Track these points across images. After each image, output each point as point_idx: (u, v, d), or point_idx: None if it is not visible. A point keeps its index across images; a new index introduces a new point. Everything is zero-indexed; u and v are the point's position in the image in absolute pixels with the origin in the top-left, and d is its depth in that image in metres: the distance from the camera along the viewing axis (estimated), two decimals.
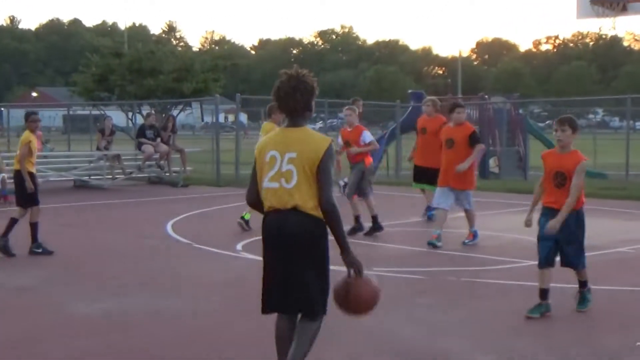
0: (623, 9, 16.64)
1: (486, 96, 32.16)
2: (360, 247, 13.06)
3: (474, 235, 13.36)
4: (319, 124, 41.46)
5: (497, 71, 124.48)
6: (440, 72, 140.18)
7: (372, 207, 14.10)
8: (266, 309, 6.15)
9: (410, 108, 30.33)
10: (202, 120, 65.93)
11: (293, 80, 5.99)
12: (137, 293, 9.81)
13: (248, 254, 12.35)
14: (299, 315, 6.04)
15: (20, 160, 12.32)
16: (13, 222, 12.32)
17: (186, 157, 25.67)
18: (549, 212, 8.42)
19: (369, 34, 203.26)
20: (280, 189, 5.81)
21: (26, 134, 12.55)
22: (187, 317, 8.65)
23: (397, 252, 13.06)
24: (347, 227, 11.88)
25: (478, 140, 13.30)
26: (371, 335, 7.68)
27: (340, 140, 14.66)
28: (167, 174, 25.31)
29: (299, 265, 5.88)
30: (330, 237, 5.83)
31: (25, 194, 12.24)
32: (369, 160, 14.37)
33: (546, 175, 8.51)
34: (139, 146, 24.78)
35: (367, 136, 14.10)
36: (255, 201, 6.10)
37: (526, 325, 8.25)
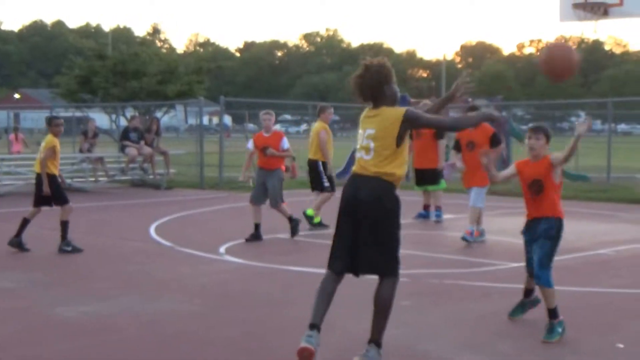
0: (604, 13, 16.74)
1: (469, 99, 32.27)
2: None
3: (471, 232, 13.62)
4: (304, 126, 41.34)
5: (480, 74, 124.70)
6: (425, 75, 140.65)
7: (286, 211, 14.21)
8: (332, 269, 6.90)
9: None
10: (186, 122, 65.90)
11: (361, 71, 6.89)
12: (120, 296, 9.78)
13: (231, 257, 12.37)
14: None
15: (41, 163, 12.50)
16: (25, 222, 12.67)
17: (170, 159, 25.67)
18: (530, 225, 8.24)
19: (354, 37, 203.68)
20: (362, 159, 6.82)
21: (50, 138, 12.74)
22: (170, 320, 8.63)
23: None
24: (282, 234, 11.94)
25: (500, 141, 13.83)
26: (355, 337, 7.67)
27: (250, 145, 14.63)
28: (151, 177, 25.30)
29: (368, 229, 6.70)
30: None
31: (42, 196, 12.56)
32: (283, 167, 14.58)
33: (522, 185, 8.32)
34: (122, 149, 24.76)
35: (286, 143, 14.26)
36: None
37: (509, 327, 8.30)
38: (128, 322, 8.49)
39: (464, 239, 13.47)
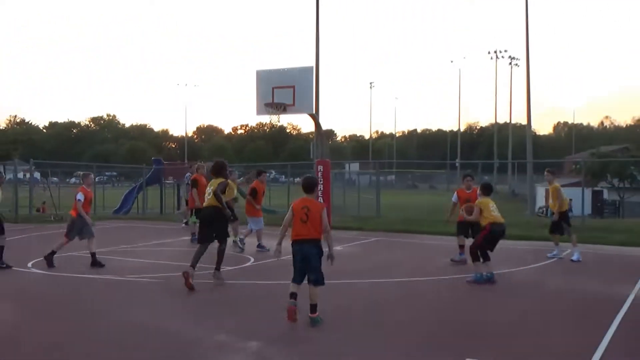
0: (284, 110, 17.31)
1: (202, 161, 32.23)
2: (114, 262, 12.45)
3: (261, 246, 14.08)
4: None
5: (210, 146, 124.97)
6: (174, 146, 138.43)
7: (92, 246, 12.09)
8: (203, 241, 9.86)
9: (152, 169, 29.75)
10: (4, 176, 60.67)
11: (214, 163, 10.32)
12: None
13: (36, 269, 11.40)
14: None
15: None
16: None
17: None
18: (299, 242, 7.30)
19: (127, 119, 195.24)
20: (208, 198, 9.87)
21: None
22: None
23: (148, 265, 12.55)
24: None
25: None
26: (127, 321, 7.29)
27: (81, 197, 11.73)
28: None
29: (213, 228, 9.75)
30: None
31: None
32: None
33: (296, 214, 7.35)
34: None
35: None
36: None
37: (241, 307, 8.23)
38: None
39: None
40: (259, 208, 14.41)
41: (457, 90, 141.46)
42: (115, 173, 68.78)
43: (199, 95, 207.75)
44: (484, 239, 10.23)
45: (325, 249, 7.40)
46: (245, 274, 10.95)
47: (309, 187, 7.60)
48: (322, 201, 18.78)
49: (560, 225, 13.15)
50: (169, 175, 30.52)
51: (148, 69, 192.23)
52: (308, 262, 7.30)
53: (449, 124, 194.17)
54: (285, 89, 17.31)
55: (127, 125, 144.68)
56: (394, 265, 12.41)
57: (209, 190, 9.93)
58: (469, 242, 11.65)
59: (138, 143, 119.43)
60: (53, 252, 11.86)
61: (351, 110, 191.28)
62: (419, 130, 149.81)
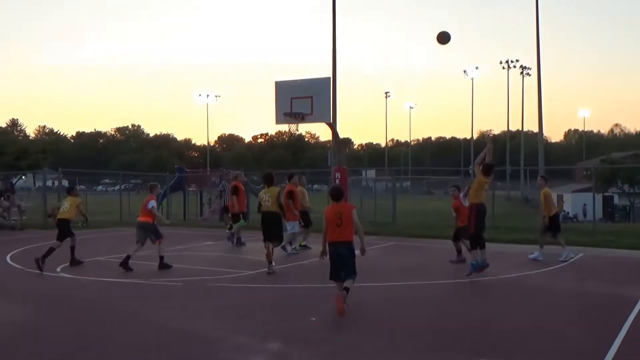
0: (302, 119, 17.31)
1: (224, 169, 32.40)
2: (140, 266, 12.51)
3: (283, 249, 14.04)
4: (117, 187, 39.69)
5: (231, 154, 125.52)
6: (196, 154, 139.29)
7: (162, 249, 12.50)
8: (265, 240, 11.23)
9: (176, 176, 29.94)
10: (34, 185, 61.38)
11: (264, 173, 11.69)
12: None
13: (65, 274, 11.49)
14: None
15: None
16: (52, 250, 12.10)
17: (23, 209, 23.84)
18: (334, 244, 7.86)
19: (151, 129, 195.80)
20: (266, 205, 11.12)
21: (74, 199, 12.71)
22: (21, 321, 7.83)
23: (172, 269, 12.57)
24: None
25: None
26: (151, 323, 7.31)
27: (153, 203, 12.28)
28: (8, 222, 23.22)
29: (272, 228, 11.14)
30: None
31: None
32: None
33: (330, 220, 7.89)
34: None
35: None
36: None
37: (258, 309, 8.24)
38: None
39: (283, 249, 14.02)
40: (297, 213, 14.45)
41: (470, 100, 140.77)
42: (140, 181, 69.29)
43: (220, 106, 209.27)
44: (476, 222, 10.67)
45: (356, 250, 7.99)
46: (266, 278, 10.96)
47: (336, 195, 8.11)
48: None
49: (556, 226, 13.74)
50: (192, 183, 30.67)
51: (172, 82, 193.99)
52: (341, 261, 7.83)
53: (463, 132, 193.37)
54: (304, 99, 17.32)
55: (152, 135, 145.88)
56: (409, 269, 12.36)
57: (265, 197, 11.24)
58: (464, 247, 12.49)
59: (162, 152, 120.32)
60: (161, 257, 12.14)
61: (367, 119, 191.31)
62: (433, 138, 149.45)
